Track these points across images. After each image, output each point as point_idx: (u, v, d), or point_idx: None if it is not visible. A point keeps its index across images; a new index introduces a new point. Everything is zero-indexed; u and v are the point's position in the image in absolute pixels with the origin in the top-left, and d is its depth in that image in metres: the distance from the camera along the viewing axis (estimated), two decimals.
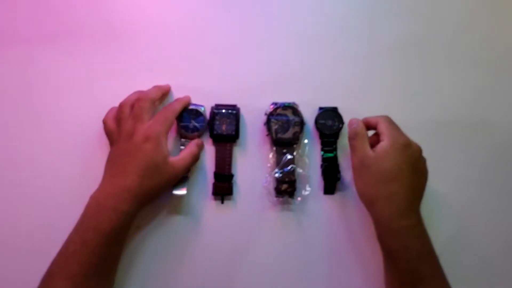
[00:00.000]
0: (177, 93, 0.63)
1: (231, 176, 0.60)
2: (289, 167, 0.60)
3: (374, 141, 0.54)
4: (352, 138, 0.54)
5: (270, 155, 0.61)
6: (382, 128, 0.52)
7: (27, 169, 0.61)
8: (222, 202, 0.61)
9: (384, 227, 0.49)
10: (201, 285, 0.59)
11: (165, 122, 0.54)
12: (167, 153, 0.53)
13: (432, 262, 0.49)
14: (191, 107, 0.60)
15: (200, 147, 0.59)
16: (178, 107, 0.57)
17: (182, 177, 0.57)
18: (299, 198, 0.61)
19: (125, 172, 0.51)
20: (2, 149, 0.62)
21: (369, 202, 0.51)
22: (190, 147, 0.57)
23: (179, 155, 0.56)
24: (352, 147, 0.53)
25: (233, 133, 0.61)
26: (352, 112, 0.62)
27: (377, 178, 0.49)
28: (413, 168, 0.50)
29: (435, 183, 0.62)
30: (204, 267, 0.60)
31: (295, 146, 0.61)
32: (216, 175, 0.60)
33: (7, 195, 0.61)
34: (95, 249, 0.49)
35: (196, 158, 0.58)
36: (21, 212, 0.60)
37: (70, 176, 0.61)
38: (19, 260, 0.60)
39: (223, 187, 0.60)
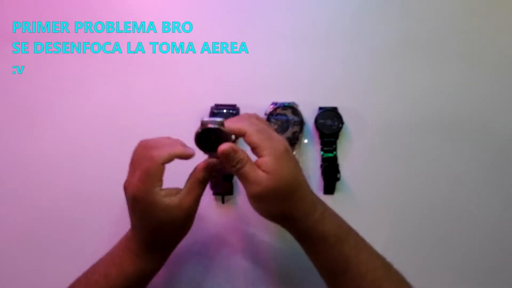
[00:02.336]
0: (177, 93, 0.63)
1: (231, 176, 0.61)
2: None
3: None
4: (239, 168, 0.46)
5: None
6: (255, 141, 0.46)
7: (27, 169, 0.61)
8: (223, 202, 0.61)
9: (300, 229, 0.48)
10: (201, 285, 0.60)
11: (146, 175, 0.45)
12: (167, 203, 0.46)
13: (352, 238, 0.49)
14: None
15: (211, 170, 0.49)
16: (164, 156, 0.46)
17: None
18: None
19: (133, 226, 0.49)
20: (3, 150, 0.62)
21: (278, 218, 0.48)
22: (196, 176, 0.48)
23: (184, 191, 0.48)
24: (243, 176, 0.46)
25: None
26: (352, 112, 0.62)
27: (282, 195, 0.46)
28: (298, 164, 0.49)
29: (435, 183, 0.63)
30: (204, 267, 0.60)
31: (294, 146, 0.61)
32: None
33: (8, 195, 0.61)
34: (110, 282, 0.48)
35: (205, 181, 0.49)
36: (21, 213, 0.60)
37: (70, 176, 0.61)
38: (17, 262, 0.60)
39: (224, 187, 0.60)
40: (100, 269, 0.50)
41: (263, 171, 0.45)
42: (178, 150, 0.47)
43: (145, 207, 0.46)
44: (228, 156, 0.46)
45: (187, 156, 0.48)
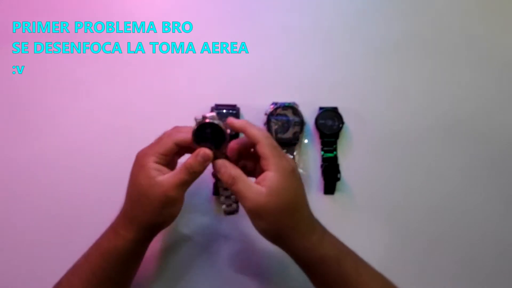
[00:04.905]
0: (178, 93, 0.63)
1: None
2: None
3: (249, 157, 0.50)
4: (231, 184, 0.47)
5: None
6: (267, 153, 0.46)
7: (27, 169, 0.61)
8: None
9: (298, 250, 0.48)
10: (201, 285, 0.60)
11: (156, 144, 0.49)
12: (153, 174, 0.47)
13: (352, 260, 0.49)
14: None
15: (202, 159, 0.47)
16: (180, 137, 0.48)
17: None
18: None
19: (125, 197, 0.50)
20: (2, 149, 0.62)
21: (275, 237, 0.48)
22: (185, 161, 0.48)
23: (170, 173, 0.48)
24: (237, 192, 0.46)
25: (233, 133, 0.60)
26: (352, 112, 0.62)
27: (279, 214, 0.46)
28: (302, 187, 0.48)
29: (435, 183, 0.63)
30: (204, 267, 0.60)
31: (295, 146, 0.61)
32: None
33: (8, 195, 0.61)
34: (94, 269, 0.49)
35: (193, 171, 0.47)
36: (21, 212, 0.60)
37: (70, 176, 0.61)
38: (17, 261, 0.60)
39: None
40: (86, 252, 0.51)
41: (264, 186, 0.45)
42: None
43: (137, 169, 0.48)
44: (219, 171, 0.47)
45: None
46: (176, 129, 0.50)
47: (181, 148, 0.49)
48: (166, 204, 0.47)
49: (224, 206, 0.52)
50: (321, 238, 0.48)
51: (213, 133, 0.48)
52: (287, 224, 0.46)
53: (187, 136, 0.48)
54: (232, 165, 0.48)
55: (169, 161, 0.50)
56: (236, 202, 0.52)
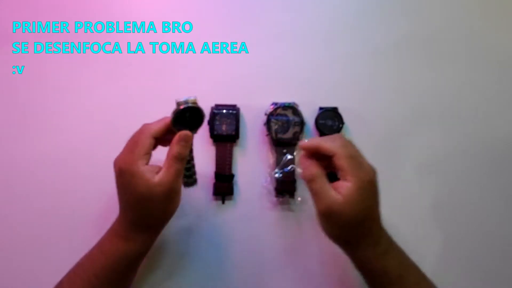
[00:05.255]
0: (178, 93, 0.63)
1: (231, 176, 0.61)
2: (289, 167, 0.60)
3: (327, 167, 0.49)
4: (310, 181, 0.47)
5: (270, 155, 0.62)
6: (343, 165, 0.46)
7: (27, 169, 0.61)
8: (223, 202, 0.61)
9: (361, 259, 0.48)
10: (201, 285, 0.60)
11: (134, 147, 0.48)
12: (148, 177, 0.46)
13: (414, 276, 0.49)
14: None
15: (184, 142, 0.48)
16: (154, 128, 0.49)
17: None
18: (299, 198, 0.61)
19: (121, 205, 0.50)
20: (2, 149, 0.62)
21: (343, 243, 0.48)
22: (170, 152, 0.48)
23: (163, 169, 0.47)
24: (313, 191, 0.47)
25: (233, 133, 0.61)
26: (352, 112, 0.62)
27: (350, 222, 0.46)
28: (378, 198, 0.48)
29: (435, 183, 0.63)
30: (204, 267, 0.60)
31: (295, 146, 0.61)
32: (217, 175, 0.60)
33: (7, 195, 0.61)
34: (97, 270, 0.49)
35: (181, 158, 0.48)
36: (21, 212, 0.60)
37: (70, 176, 0.61)
38: (17, 261, 0.60)
39: (224, 187, 0.60)
40: (88, 253, 0.51)
41: (340, 194, 0.45)
42: (167, 120, 0.49)
43: (128, 178, 0.47)
44: (301, 163, 0.48)
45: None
46: (146, 125, 0.49)
47: (158, 140, 0.49)
48: (171, 198, 0.48)
49: (184, 179, 0.52)
50: (386, 251, 0.48)
51: (191, 116, 0.49)
52: (356, 233, 0.47)
53: (163, 126, 0.49)
54: (315, 163, 0.48)
55: (151, 157, 0.49)
56: (195, 174, 0.53)
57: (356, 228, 0.46)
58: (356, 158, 0.47)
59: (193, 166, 0.53)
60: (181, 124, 0.49)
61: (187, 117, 0.49)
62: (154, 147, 0.50)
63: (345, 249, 0.49)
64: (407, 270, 0.49)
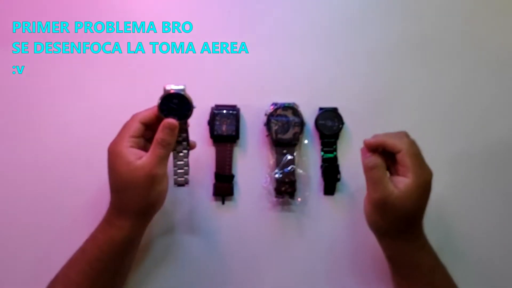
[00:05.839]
0: None
1: (231, 177, 0.61)
2: (289, 168, 0.60)
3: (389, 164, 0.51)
4: (370, 168, 0.49)
5: (270, 156, 0.61)
6: (407, 162, 0.47)
7: (27, 169, 0.61)
8: (223, 203, 0.61)
9: (399, 251, 0.50)
10: (201, 285, 0.60)
11: (122, 130, 0.50)
12: (131, 159, 0.47)
13: (444, 274, 0.51)
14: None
15: (169, 130, 0.49)
16: (142, 114, 0.50)
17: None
18: (299, 199, 0.61)
19: (110, 190, 0.51)
20: (2, 149, 0.62)
21: (384, 233, 0.50)
22: (155, 138, 0.49)
23: (147, 154, 0.48)
24: (371, 180, 0.48)
25: (233, 133, 0.61)
26: (352, 112, 0.62)
27: (400, 217, 0.48)
28: (428, 199, 0.50)
29: (435, 183, 0.63)
30: (204, 267, 0.60)
31: (295, 146, 0.61)
32: (217, 175, 0.60)
33: (8, 194, 0.61)
34: (91, 260, 0.49)
35: (166, 144, 0.48)
36: (21, 212, 0.60)
37: (70, 176, 0.61)
38: (15, 264, 0.60)
39: (224, 187, 0.60)
40: (81, 245, 0.51)
41: (397, 187, 0.47)
42: (155, 107, 0.50)
43: (113, 159, 0.48)
44: (364, 152, 0.50)
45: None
46: (136, 113, 0.51)
47: (148, 128, 0.50)
48: (152, 183, 0.48)
49: (176, 177, 0.52)
50: (422, 246, 0.50)
51: (179, 104, 0.49)
52: (401, 227, 0.48)
53: (151, 112, 0.50)
54: (377, 154, 0.49)
55: (142, 145, 0.50)
56: (187, 174, 0.53)
57: (404, 223, 0.48)
58: (419, 157, 0.49)
59: (186, 164, 0.53)
60: (169, 112, 0.49)
61: (175, 104, 0.49)
62: (144, 133, 0.50)
63: (383, 239, 0.50)
64: (437, 266, 0.51)
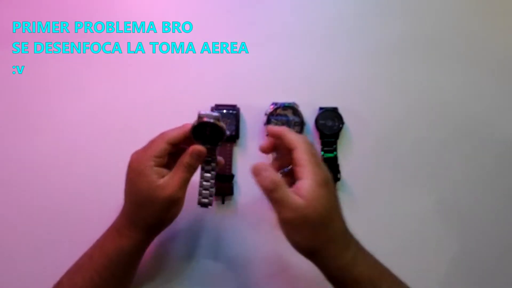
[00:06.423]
0: (178, 93, 0.63)
1: (231, 176, 0.61)
2: (289, 167, 0.60)
3: (282, 165, 0.50)
4: (271, 190, 0.44)
5: (270, 155, 0.61)
6: (304, 159, 0.45)
7: (27, 169, 0.61)
8: (223, 202, 0.61)
9: (331, 269, 0.45)
10: (200, 285, 0.60)
11: (149, 148, 0.49)
12: (153, 179, 0.47)
13: (387, 281, 0.47)
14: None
15: (196, 156, 0.49)
16: (172, 135, 0.49)
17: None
18: None
19: (125, 200, 0.51)
20: (2, 149, 0.62)
21: (309, 252, 0.45)
22: (181, 160, 0.49)
23: (170, 174, 0.48)
24: (275, 201, 0.44)
25: (233, 133, 0.61)
26: (352, 112, 0.62)
27: (314, 227, 0.44)
28: (337, 199, 0.46)
29: (435, 183, 0.63)
30: (204, 267, 0.60)
31: None
32: (217, 175, 0.60)
33: (7, 194, 0.61)
34: (98, 268, 0.49)
35: (191, 168, 0.49)
36: (20, 212, 0.60)
37: (70, 176, 0.61)
38: (15, 264, 0.60)
39: (224, 187, 0.60)
40: (88, 251, 0.51)
41: (302, 196, 0.43)
42: (186, 128, 0.49)
43: (135, 175, 0.48)
44: (259, 173, 0.45)
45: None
46: (165, 131, 0.50)
47: (175, 147, 0.49)
48: (171, 205, 0.48)
49: (200, 197, 0.52)
50: (356, 256, 0.46)
51: (212, 131, 0.49)
52: (322, 238, 0.44)
53: (178, 133, 0.49)
54: (273, 170, 0.46)
55: (166, 162, 0.49)
56: (212, 196, 0.52)
57: (323, 231, 0.44)
58: (316, 156, 0.46)
59: (212, 186, 0.51)
60: (201, 137, 0.49)
61: (208, 131, 0.48)
62: (171, 152, 0.50)
63: (314, 259, 0.46)
64: (379, 276, 0.46)
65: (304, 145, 0.46)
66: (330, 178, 0.46)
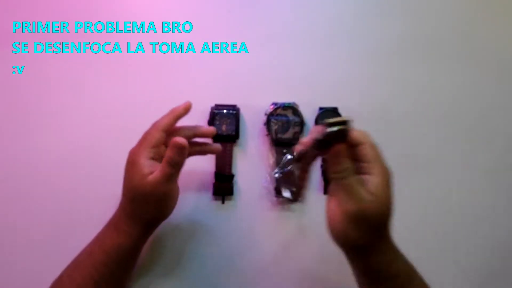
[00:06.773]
0: (178, 93, 0.63)
1: (231, 176, 0.61)
2: (289, 167, 0.60)
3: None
4: (344, 176, 0.42)
5: (270, 155, 0.61)
6: (371, 155, 0.43)
7: (27, 169, 0.61)
8: (223, 202, 0.61)
9: (375, 263, 0.44)
10: (200, 285, 0.60)
11: (143, 139, 0.50)
12: (145, 172, 0.47)
13: (418, 278, 0.47)
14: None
15: (176, 149, 0.47)
16: (163, 122, 0.50)
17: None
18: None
19: (122, 194, 0.51)
20: (2, 149, 0.62)
21: (361, 247, 0.43)
22: (166, 153, 0.48)
23: (154, 173, 0.48)
24: (344, 189, 0.42)
25: (233, 133, 0.61)
26: (352, 112, 0.62)
27: (376, 225, 0.42)
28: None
29: (435, 182, 0.63)
30: (204, 267, 0.60)
31: (295, 146, 0.61)
32: (217, 175, 0.60)
33: (7, 194, 0.61)
34: (97, 264, 0.49)
35: (174, 163, 0.47)
36: (21, 212, 0.60)
37: (70, 176, 0.61)
38: (15, 264, 0.60)
39: (224, 187, 0.60)
40: (87, 248, 0.51)
41: (369, 192, 0.41)
42: (175, 112, 0.50)
43: (130, 168, 0.49)
44: (338, 155, 0.42)
45: (185, 110, 0.52)
46: (157, 120, 0.51)
47: (171, 134, 0.50)
48: (159, 199, 0.49)
49: (287, 194, 0.51)
50: (395, 250, 0.45)
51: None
52: (380, 235, 0.43)
53: (171, 118, 0.50)
54: (346, 156, 0.43)
55: (163, 153, 0.49)
56: (301, 189, 0.50)
57: (382, 229, 0.43)
58: (379, 150, 0.44)
59: (305, 180, 0.49)
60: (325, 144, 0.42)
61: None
62: (166, 140, 0.50)
63: (361, 254, 0.44)
64: (414, 272, 0.47)
65: (369, 140, 0.44)
66: (392, 174, 0.44)
